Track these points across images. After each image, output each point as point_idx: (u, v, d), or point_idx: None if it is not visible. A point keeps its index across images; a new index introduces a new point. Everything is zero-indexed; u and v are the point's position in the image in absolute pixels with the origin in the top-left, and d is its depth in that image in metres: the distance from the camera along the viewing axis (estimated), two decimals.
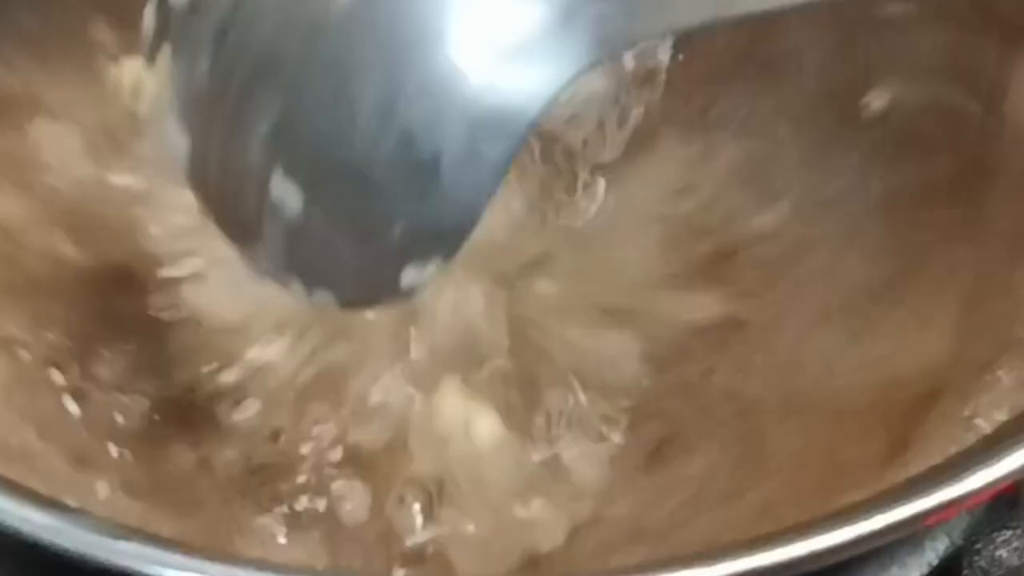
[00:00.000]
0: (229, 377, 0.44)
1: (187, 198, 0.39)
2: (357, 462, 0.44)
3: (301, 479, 0.44)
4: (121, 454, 0.42)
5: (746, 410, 0.45)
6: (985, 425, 0.37)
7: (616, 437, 0.45)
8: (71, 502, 0.33)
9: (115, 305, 0.45)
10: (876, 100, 0.47)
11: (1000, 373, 0.40)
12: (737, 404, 0.45)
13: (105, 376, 0.44)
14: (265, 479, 0.44)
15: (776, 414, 0.44)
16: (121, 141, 0.46)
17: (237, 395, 0.44)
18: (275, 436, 0.44)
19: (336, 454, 0.44)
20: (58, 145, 0.46)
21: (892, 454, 0.40)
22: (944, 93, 0.46)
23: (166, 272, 0.45)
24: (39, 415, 0.42)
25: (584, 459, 0.45)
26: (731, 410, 0.45)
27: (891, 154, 0.46)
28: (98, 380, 0.44)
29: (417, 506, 0.43)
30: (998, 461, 0.34)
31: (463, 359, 0.45)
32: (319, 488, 0.43)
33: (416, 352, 0.45)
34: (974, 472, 0.33)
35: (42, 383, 0.43)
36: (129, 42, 0.46)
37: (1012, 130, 0.44)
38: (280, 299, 0.40)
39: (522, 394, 0.45)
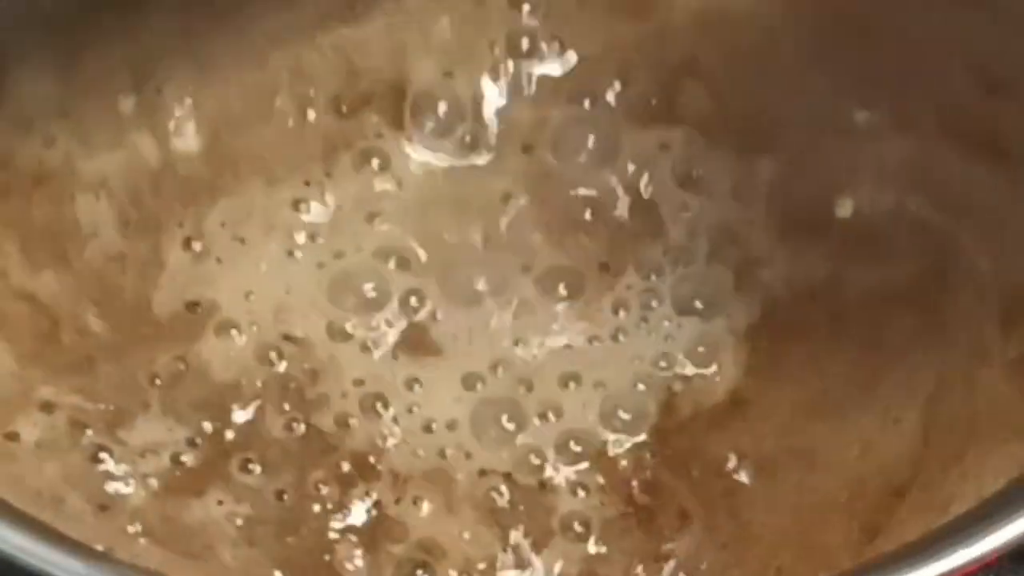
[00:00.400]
0: (231, 437, 0.46)
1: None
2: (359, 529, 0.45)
3: (305, 533, 0.45)
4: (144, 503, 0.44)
5: (732, 490, 0.46)
6: (953, 515, 0.38)
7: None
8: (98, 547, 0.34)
9: (134, 370, 0.47)
10: (844, 206, 0.48)
11: (967, 467, 0.41)
12: (724, 482, 0.46)
13: (130, 438, 0.45)
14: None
15: (757, 497, 0.45)
16: (145, 202, 0.48)
17: (240, 453, 0.46)
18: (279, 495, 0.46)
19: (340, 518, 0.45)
20: (92, 216, 0.47)
21: (867, 541, 0.42)
22: (909, 201, 0.47)
23: (178, 337, 0.47)
24: (69, 467, 0.44)
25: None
26: (719, 487, 0.46)
27: (860, 255, 0.48)
28: (124, 442, 0.45)
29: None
30: (967, 547, 0.35)
31: None
32: (323, 546, 0.45)
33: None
34: (945, 556, 0.35)
35: (73, 441, 0.44)
36: (153, 107, 0.48)
37: (972, 242, 0.46)
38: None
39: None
